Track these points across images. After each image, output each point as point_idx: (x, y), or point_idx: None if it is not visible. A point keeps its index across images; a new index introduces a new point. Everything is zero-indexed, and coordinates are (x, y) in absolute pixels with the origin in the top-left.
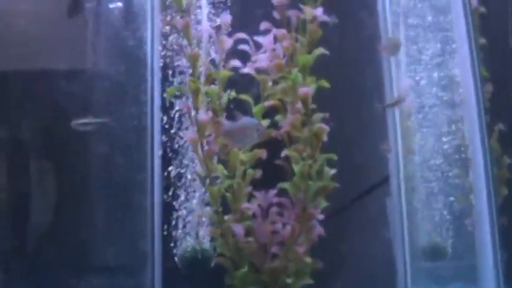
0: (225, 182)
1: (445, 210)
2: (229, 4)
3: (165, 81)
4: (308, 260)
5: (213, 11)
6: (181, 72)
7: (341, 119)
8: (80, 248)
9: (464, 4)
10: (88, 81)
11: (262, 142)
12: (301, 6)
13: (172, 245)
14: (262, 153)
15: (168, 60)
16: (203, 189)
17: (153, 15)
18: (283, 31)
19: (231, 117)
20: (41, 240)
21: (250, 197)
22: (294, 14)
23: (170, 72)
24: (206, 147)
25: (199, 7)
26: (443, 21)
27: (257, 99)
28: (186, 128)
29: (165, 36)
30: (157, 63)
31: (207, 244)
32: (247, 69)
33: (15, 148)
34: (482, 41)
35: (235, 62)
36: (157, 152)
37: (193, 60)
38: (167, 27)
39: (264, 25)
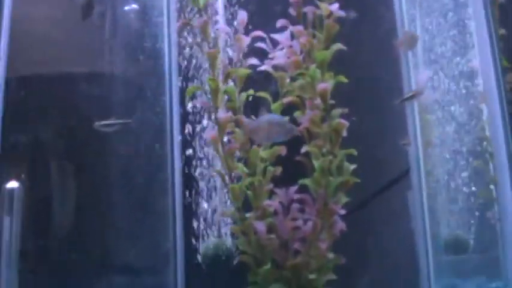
0: (246, 179)
1: (467, 203)
2: (245, 2)
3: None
4: (331, 255)
5: (230, 10)
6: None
7: (360, 114)
8: (106, 248)
9: None
10: (106, 84)
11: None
12: (317, 2)
13: (195, 243)
14: (282, 150)
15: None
16: (224, 188)
17: (170, 14)
18: (299, 28)
19: (255, 114)
20: (66, 240)
21: (271, 194)
22: (311, 10)
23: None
24: (227, 146)
25: (216, 6)
26: (462, 12)
27: (275, 97)
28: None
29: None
30: (176, 63)
31: (229, 242)
32: (264, 67)
33: (39, 150)
34: (502, 31)
35: (253, 60)
36: (178, 152)
37: (212, 59)
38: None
39: (280, 22)
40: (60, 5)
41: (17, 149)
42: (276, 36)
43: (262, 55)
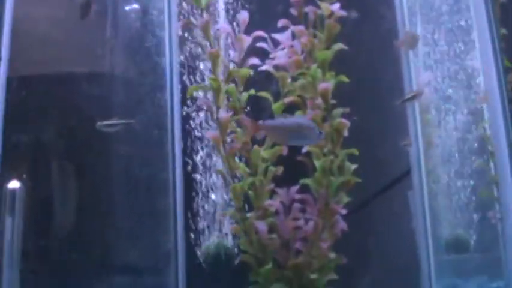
0: (247, 179)
1: (467, 203)
2: (246, 2)
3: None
4: (332, 255)
5: (231, 10)
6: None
7: (361, 114)
8: (107, 248)
9: None
10: (107, 84)
11: None
12: (318, 1)
13: (196, 243)
14: (283, 150)
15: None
16: (226, 188)
17: (170, 14)
18: (300, 27)
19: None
20: (67, 240)
21: (272, 194)
22: (311, 10)
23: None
24: (228, 146)
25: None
26: (462, 10)
27: (277, 97)
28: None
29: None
30: (177, 63)
31: (230, 242)
32: (265, 67)
33: (41, 150)
34: (503, 31)
35: (254, 60)
36: (179, 152)
37: (214, 58)
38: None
39: (281, 22)
40: (60, 4)
41: (19, 149)
42: (277, 36)
43: (264, 55)
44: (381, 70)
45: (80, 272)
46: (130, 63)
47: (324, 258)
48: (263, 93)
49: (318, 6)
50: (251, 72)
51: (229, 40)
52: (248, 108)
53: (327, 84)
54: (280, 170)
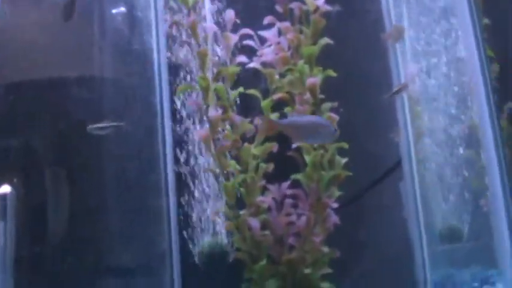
0: (238, 177)
1: (459, 191)
2: (232, 0)
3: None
4: (325, 249)
5: (216, 8)
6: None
7: (350, 107)
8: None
9: None
10: (96, 87)
11: (273, 135)
12: None
13: (190, 242)
14: (274, 147)
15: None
16: (217, 186)
17: (157, 15)
18: (286, 24)
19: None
20: (61, 243)
21: (264, 191)
22: (297, 6)
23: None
24: (219, 144)
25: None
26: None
27: (265, 94)
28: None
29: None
30: (165, 63)
31: (224, 240)
32: (253, 64)
33: (32, 155)
34: (486, 21)
35: (241, 58)
36: (170, 153)
37: (202, 57)
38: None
39: (267, 19)
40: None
41: (9, 154)
42: (263, 33)
43: (251, 52)
44: (368, 63)
45: (74, 273)
46: (119, 65)
47: (317, 253)
48: (252, 91)
49: (303, 2)
50: (239, 69)
51: (216, 38)
52: (237, 105)
53: (315, 79)
54: (271, 166)
